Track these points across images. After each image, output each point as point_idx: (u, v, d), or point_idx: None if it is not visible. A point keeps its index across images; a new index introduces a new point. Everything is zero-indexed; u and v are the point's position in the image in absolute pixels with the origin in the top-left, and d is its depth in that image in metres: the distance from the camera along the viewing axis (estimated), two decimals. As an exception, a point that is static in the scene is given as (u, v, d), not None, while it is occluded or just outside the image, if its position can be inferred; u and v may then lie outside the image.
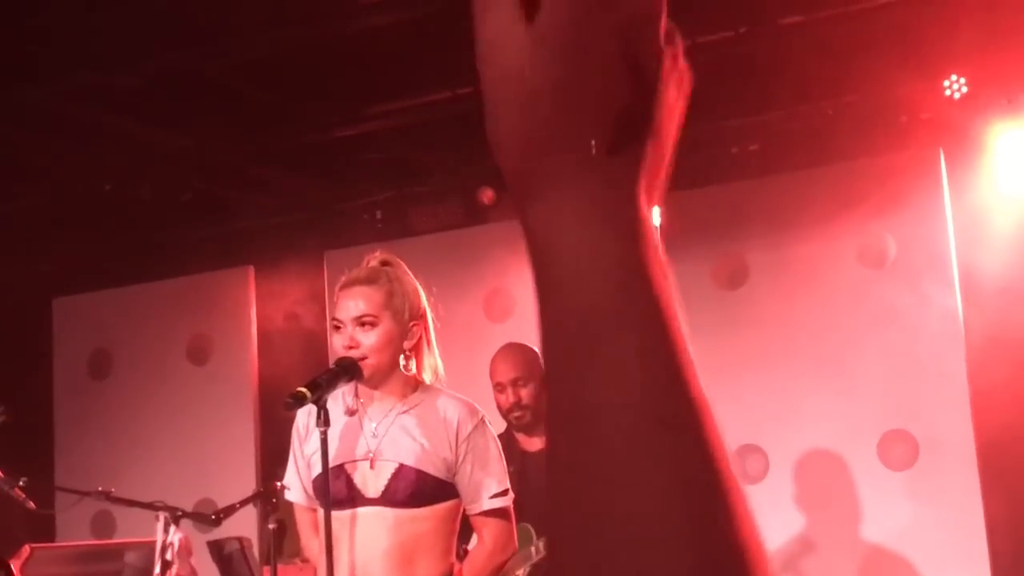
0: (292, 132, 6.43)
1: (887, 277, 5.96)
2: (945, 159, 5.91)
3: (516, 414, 4.84)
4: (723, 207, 6.36)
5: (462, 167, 6.79)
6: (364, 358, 3.33)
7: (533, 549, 4.66)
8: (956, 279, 5.82)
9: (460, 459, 3.35)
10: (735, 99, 6.08)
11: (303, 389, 3.22)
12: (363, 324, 3.34)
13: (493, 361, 4.92)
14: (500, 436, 4.76)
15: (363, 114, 6.28)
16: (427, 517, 3.32)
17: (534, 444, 4.91)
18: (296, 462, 3.50)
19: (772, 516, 6.00)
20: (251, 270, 7.26)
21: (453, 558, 3.38)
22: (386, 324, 3.35)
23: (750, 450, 6.14)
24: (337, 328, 3.38)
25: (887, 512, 5.84)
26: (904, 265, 5.93)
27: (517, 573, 4.69)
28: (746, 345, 6.19)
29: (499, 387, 4.84)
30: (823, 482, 5.97)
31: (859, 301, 5.99)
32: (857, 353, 5.97)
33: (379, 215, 7.12)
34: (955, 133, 5.90)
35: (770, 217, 6.21)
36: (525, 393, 4.83)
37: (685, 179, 6.45)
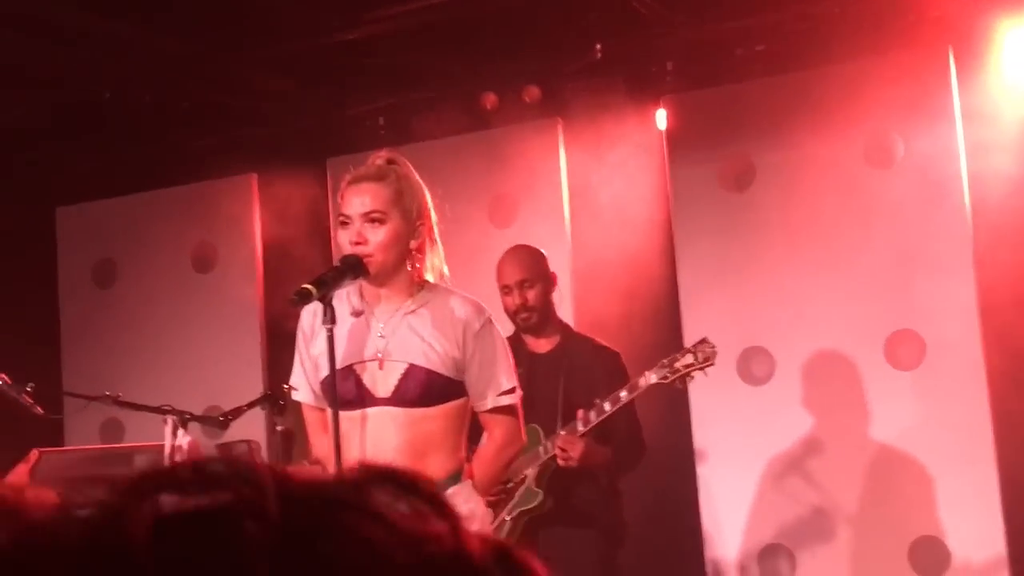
0: (292, 37, 6.37)
1: (895, 176, 5.92)
2: (954, 56, 5.85)
3: (523, 315, 4.84)
4: (729, 109, 6.31)
5: (464, 72, 6.73)
6: (370, 255, 3.31)
7: (541, 449, 4.69)
8: (964, 178, 5.78)
9: (468, 357, 3.34)
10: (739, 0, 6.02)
11: (308, 286, 3.22)
12: (372, 220, 3.32)
13: (499, 264, 4.92)
14: (508, 338, 4.78)
15: (363, 18, 6.21)
16: (437, 415, 3.32)
17: (541, 346, 4.93)
18: (303, 363, 3.50)
19: (778, 417, 6.03)
20: (254, 178, 7.22)
21: (463, 454, 3.40)
22: (394, 221, 3.34)
23: (756, 352, 6.14)
24: (344, 224, 3.35)
25: (894, 412, 5.86)
26: (912, 164, 5.89)
27: (526, 472, 4.72)
28: (753, 247, 6.17)
29: (506, 289, 4.84)
30: (830, 383, 5.98)
31: (866, 201, 5.96)
32: (864, 253, 5.95)
33: (381, 121, 7.08)
34: (964, 30, 5.83)
35: (776, 118, 6.16)
36: (531, 295, 4.83)
37: (690, 81, 6.42)
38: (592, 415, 4.65)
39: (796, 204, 6.10)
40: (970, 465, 5.69)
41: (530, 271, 4.86)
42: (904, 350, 5.86)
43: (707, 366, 4.62)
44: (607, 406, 4.64)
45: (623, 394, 4.64)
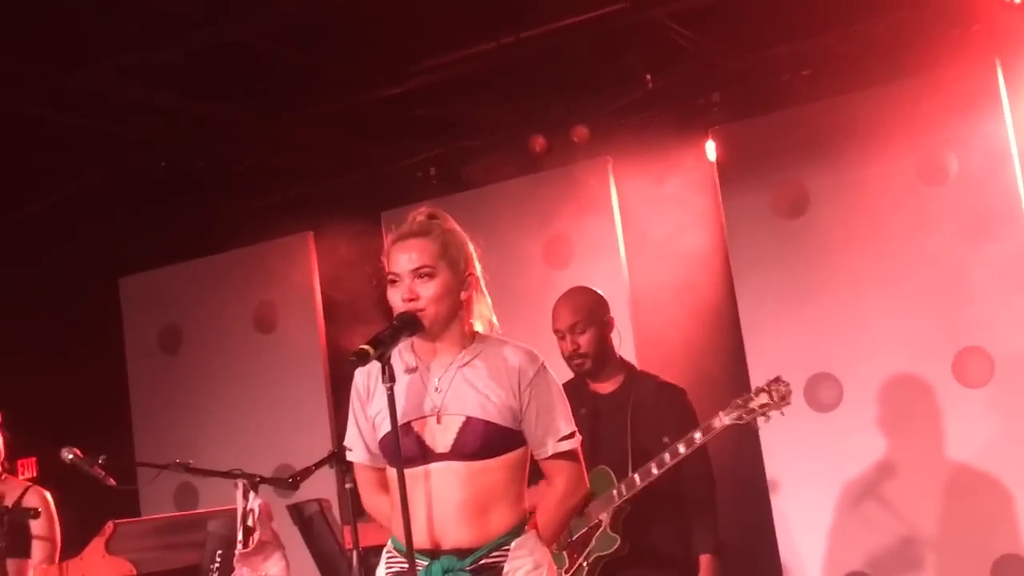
0: (340, 95, 6.43)
1: (950, 192, 5.86)
2: (1002, 68, 5.79)
3: (576, 361, 4.82)
4: (778, 136, 6.29)
5: (511, 117, 6.77)
6: (423, 310, 3.32)
7: (615, 492, 4.67)
8: (1020, 189, 5.71)
9: (525, 405, 3.33)
10: (782, 25, 6.00)
11: (366, 346, 3.22)
12: (421, 276, 3.33)
13: (553, 309, 4.90)
14: (571, 381, 4.76)
15: (408, 71, 6.27)
16: (498, 467, 3.31)
17: (605, 387, 4.90)
18: (358, 423, 3.50)
19: (849, 443, 5.98)
20: (310, 235, 7.30)
21: (526, 504, 3.38)
22: (443, 274, 3.34)
23: (823, 378, 6.09)
24: (393, 282, 3.36)
25: (966, 430, 5.78)
26: (966, 179, 5.83)
27: (600, 517, 4.70)
28: (811, 273, 6.13)
29: (559, 334, 4.83)
30: (899, 405, 5.92)
31: (923, 219, 5.90)
32: (924, 272, 5.89)
33: (433, 172, 7.14)
34: (1010, 41, 5.78)
35: (826, 142, 6.13)
36: (583, 340, 4.80)
37: (738, 111, 6.40)
38: (667, 457, 4.61)
39: (852, 227, 6.05)
40: (1048, 478, 5.60)
41: (580, 315, 4.81)
42: (972, 367, 5.79)
43: (784, 405, 4.57)
44: (681, 448, 4.61)
45: (697, 436, 4.60)
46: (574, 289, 4.98)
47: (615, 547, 4.66)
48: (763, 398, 4.56)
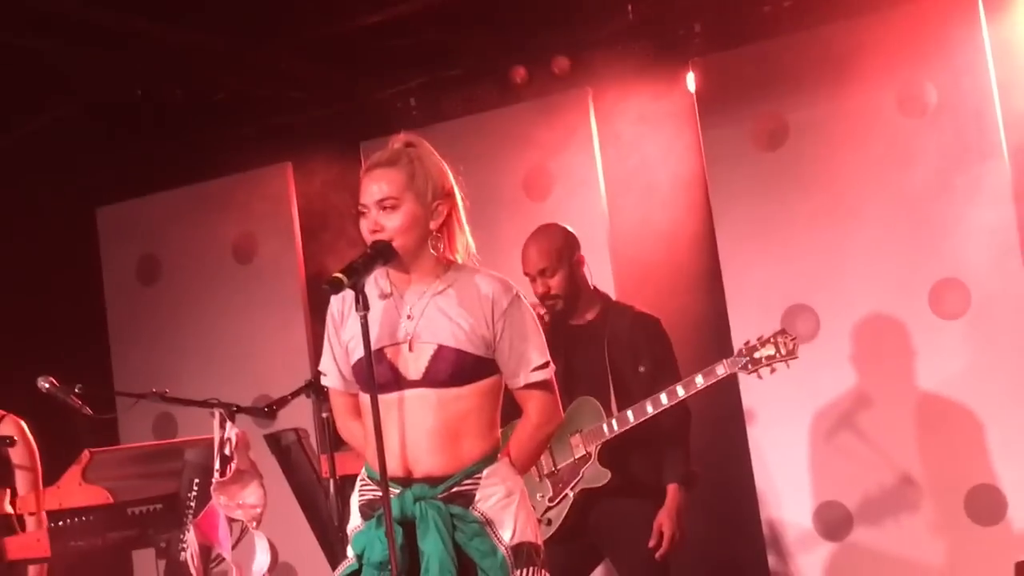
0: (319, 24, 6.37)
1: (929, 125, 5.84)
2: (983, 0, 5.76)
3: (548, 303, 4.83)
4: (758, 67, 6.25)
5: (491, 48, 6.72)
6: (390, 240, 3.31)
7: (606, 427, 4.68)
8: (1000, 122, 5.70)
9: (498, 335, 3.34)
10: (765, -45, 5.96)
11: (339, 275, 3.22)
12: (384, 208, 3.32)
13: (523, 250, 4.89)
14: (543, 316, 4.76)
15: (389, 0, 6.21)
16: (469, 395, 3.32)
17: (580, 319, 4.90)
18: (332, 348, 3.51)
19: (826, 374, 6.00)
20: (289, 166, 7.27)
21: (498, 433, 3.40)
22: (408, 205, 3.33)
23: (800, 310, 6.10)
24: (362, 213, 3.36)
25: (942, 362, 5.80)
26: (946, 112, 5.81)
27: (589, 449, 4.72)
28: (790, 205, 6.13)
29: (529, 277, 4.83)
30: (876, 336, 5.93)
31: (902, 151, 5.89)
32: (902, 205, 5.89)
33: (413, 102, 7.09)
34: (991, -30, 5.75)
35: (807, 74, 6.10)
36: (554, 283, 4.81)
37: (718, 41, 6.36)
38: (663, 398, 4.63)
39: (831, 159, 6.04)
40: (1021, 411, 5.63)
41: (549, 259, 4.79)
42: (949, 299, 5.81)
43: (791, 359, 4.59)
44: (681, 391, 4.63)
45: (699, 380, 4.63)
46: (541, 229, 4.96)
47: (605, 481, 4.69)
48: (769, 349, 4.58)
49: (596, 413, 4.72)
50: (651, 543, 4.67)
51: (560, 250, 4.81)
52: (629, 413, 4.66)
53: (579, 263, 4.85)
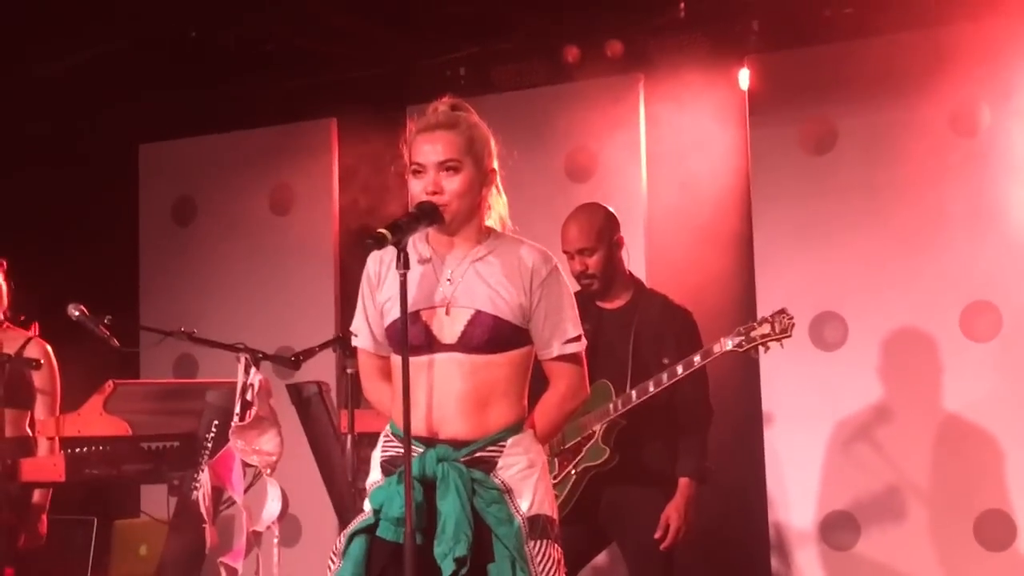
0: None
1: (979, 146, 5.82)
2: (1046, 26, 5.73)
3: (584, 282, 4.82)
4: (813, 71, 6.23)
5: (548, 24, 6.71)
6: (447, 204, 3.32)
7: (611, 406, 4.69)
8: (1048, 149, 5.67)
9: (535, 305, 3.34)
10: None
11: (384, 231, 3.22)
12: (447, 169, 3.32)
13: (563, 227, 4.87)
14: (577, 294, 4.76)
15: (450, -34, 6.22)
16: (501, 363, 3.32)
17: (611, 304, 4.90)
18: (365, 309, 3.51)
19: (848, 384, 6.00)
20: (334, 122, 7.27)
21: (525, 403, 3.40)
22: (468, 170, 3.34)
23: (829, 317, 6.09)
24: (417, 173, 3.36)
25: (967, 384, 5.79)
26: (997, 134, 5.78)
27: (594, 428, 4.73)
28: (831, 211, 6.11)
29: (567, 255, 4.82)
30: (903, 351, 5.92)
31: (948, 170, 5.87)
32: (944, 223, 5.87)
33: (463, 72, 7.08)
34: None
35: (861, 82, 6.08)
36: (592, 262, 4.79)
37: (775, 41, 6.33)
38: (664, 377, 4.63)
39: (877, 170, 6.02)
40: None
41: (589, 238, 4.79)
42: (980, 321, 5.79)
43: (784, 337, 4.57)
44: (679, 369, 4.62)
45: (697, 359, 4.62)
46: (584, 208, 4.95)
47: (603, 458, 4.70)
48: (765, 328, 4.58)
49: (607, 395, 4.72)
50: (657, 534, 4.68)
51: (601, 230, 4.80)
52: (633, 393, 4.67)
53: (618, 245, 4.85)
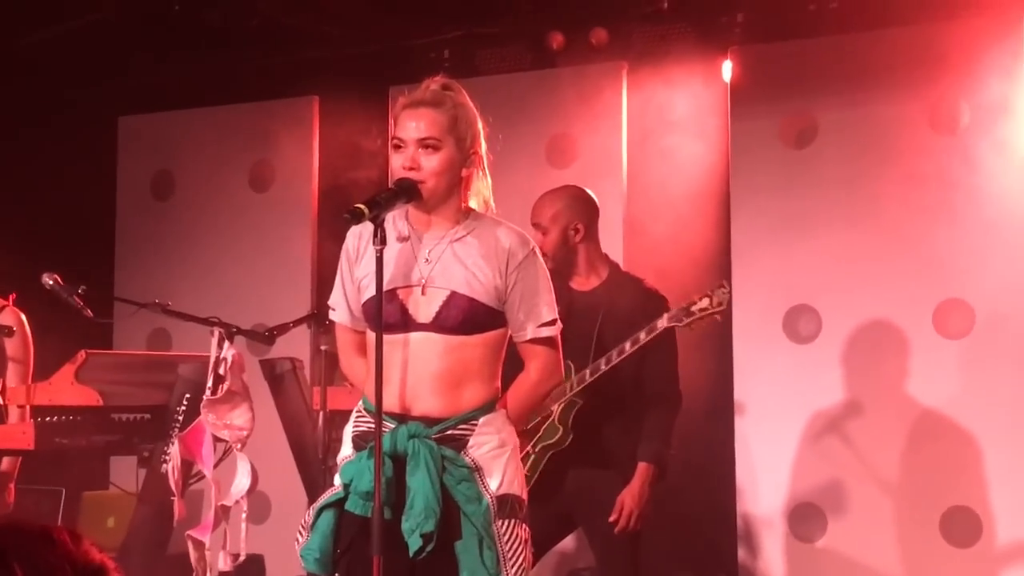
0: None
1: (958, 143, 5.85)
2: (1028, 27, 5.75)
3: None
4: (796, 64, 6.25)
5: (533, 10, 6.71)
6: (423, 181, 3.32)
7: (567, 385, 4.70)
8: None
9: (510, 287, 3.35)
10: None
11: (361, 205, 3.23)
12: (426, 147, 3.33)
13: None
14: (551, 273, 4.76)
15: (437, -53, 6.20)
16: (475, 344, 3.33)
17: (583, 285, 4.89)
18: (343, 284, 3.51)
19: (820, 377, 6.02)
20: (315, 100, 7.25)
21: (498, 384, 3.41)
22: (448, 149, 3.34)
23: (803, 310, 6.12)
24: (397, 148, 3.36)
25: (938, 380, 5.82)
26: (976, 133, 5.81)
27: (552, 407, 4.73)
28: (809, 205, 6.13)
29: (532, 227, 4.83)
30: (876, 346, 5.95)
31: (927, 167, 5.89)
32: (920, 219, 5.90)
33: (446, 53, 7.07)
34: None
35: (843, 77, 6.10)
36: (545, 240, 4.77)
37: (759, 33, 6.35)
38: (614, 355, 4.65)
39: (856, 165, 6.04)
40: (1011, 438, 5.66)
41: (543, 217, 4.79)
42: (953, 318, 5.82)
43: (719, 311, 4.59)
44: (627, 346, 4.63)
45: (642, 335, 4.63)
46: (557, 188, 4.97)
47: (557, 437, 4.69)
48: (704, 302, 4.59)
49: (567, 375, 4.72)
50: (611, 517, 4.67)
51: (557, 213, 4.80)
52: (587, 371, 4.67)
53: (576, 232, 4.82)
